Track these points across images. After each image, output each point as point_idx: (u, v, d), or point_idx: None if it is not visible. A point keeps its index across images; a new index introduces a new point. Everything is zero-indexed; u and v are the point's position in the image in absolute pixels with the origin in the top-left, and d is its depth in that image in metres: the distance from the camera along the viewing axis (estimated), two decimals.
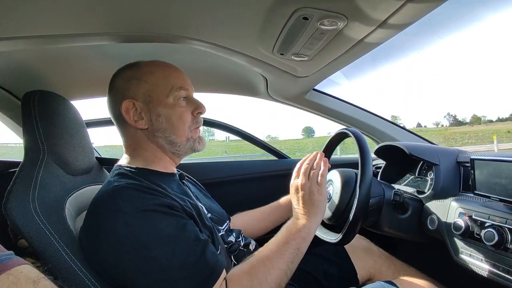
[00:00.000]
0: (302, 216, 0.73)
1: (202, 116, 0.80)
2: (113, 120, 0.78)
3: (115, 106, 0.74)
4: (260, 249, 0.71)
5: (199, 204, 0.79)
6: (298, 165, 0.80)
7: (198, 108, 0.77)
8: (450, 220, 0.74)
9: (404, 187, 1.01)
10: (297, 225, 0.72)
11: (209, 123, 1.50)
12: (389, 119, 1.42)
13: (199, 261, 0.61)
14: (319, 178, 0.76)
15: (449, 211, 0.76)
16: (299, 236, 0.70)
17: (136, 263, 0.58)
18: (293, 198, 0.78)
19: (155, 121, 0.73)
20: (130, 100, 0.72)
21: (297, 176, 0.78)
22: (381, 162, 1.14)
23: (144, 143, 0.75)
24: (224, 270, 0.64)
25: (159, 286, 0.58)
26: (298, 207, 0.75)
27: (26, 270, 0.36)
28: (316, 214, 0.74)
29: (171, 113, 0.73)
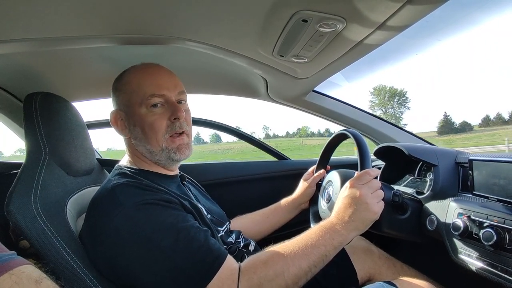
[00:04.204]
0: (343, 225, 0.68)
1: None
2: None
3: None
4: (285, 242, 0.68)
5: (199, 205, 0.79)
6: (361, 173, 0.73)
7: (173, 113, 0.72)
8: (449, 220, 0.74)
9: (403, 187, 1.02)
10: (334, 232, 0.67)
11: (206, 123, 1.49)
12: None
13: (202, 248, 0.61)
14: (381, 201, 0.72)
15: (448, 211, 0.77)
16: (331, 244, 0.66)
17: (139, 255, 0.59)
18: (342, 202, 0.71)
19: (133, 131, 0.74)
20: (117, 110, 0.75)
21: (356, 184, 0.71)
22: (380, 163, 1.15)
23: (136, 149, 0.76)
24: (229, 257, 0.63)
25: (164, 276, 0.58)
26: (343, 215, 0.69)
27: (28, 270, 0.37)
28: (358, 230, 0.69)
29: (143, 123, 0.72)
